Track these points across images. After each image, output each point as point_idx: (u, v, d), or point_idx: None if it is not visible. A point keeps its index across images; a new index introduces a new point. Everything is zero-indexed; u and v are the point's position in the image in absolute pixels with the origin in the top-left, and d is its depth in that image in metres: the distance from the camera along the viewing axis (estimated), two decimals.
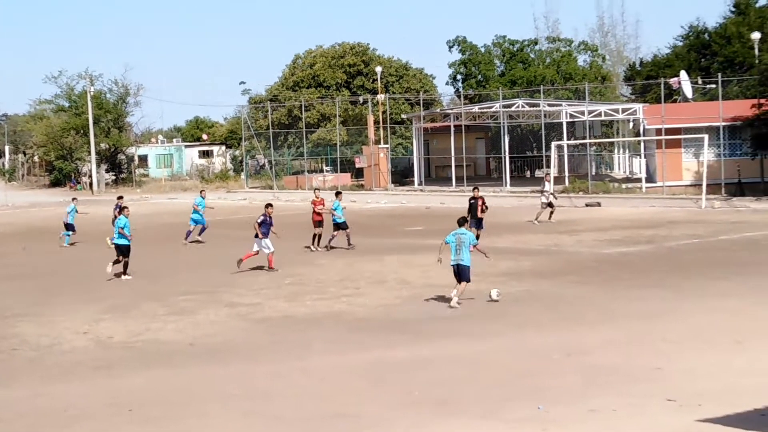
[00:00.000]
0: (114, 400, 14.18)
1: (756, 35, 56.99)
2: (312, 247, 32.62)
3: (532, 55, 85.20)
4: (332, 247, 32.23)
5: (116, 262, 27.53)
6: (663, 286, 22.94)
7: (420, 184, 67.95)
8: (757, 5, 77.53)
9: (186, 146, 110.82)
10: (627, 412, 12.57)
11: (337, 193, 33.72)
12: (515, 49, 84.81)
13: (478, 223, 33.59)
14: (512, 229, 37.23)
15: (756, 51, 56.54)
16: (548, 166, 56.63)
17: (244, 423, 12.84)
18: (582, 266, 26.92)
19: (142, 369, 16.21)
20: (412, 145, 74.44)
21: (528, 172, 75.40)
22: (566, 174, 61.27)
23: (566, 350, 16.24)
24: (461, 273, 21.38)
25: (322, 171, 77.95)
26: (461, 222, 22.17)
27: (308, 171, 77.39)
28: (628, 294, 22.03)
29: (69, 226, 37.43)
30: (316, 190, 35.07)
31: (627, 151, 71.33)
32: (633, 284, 23.38)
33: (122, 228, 27.38)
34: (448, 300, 21.16)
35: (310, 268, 28.01)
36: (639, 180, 59.24)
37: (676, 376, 14.28)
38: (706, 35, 78.00)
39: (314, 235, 32.79)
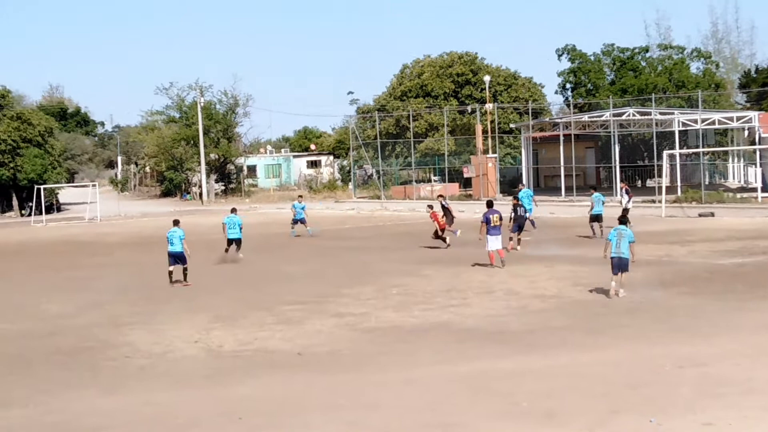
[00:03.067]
0: (224, 408, 14.24)
1: None
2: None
3: (642, 63, 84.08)
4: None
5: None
6: None
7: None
8: None
9: (294, 156, 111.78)
10: (744, 424, 12.23)
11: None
12: (625, 57, 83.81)
13: (519, 228, 34.89)
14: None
15: None
16: (660, 176, 55.77)
17: None
18: (694, 277, 26.36)
19: (251, 378, 16.28)
20: (520, 154, 74.01)
21: (639, 182, 74.38)
22: (679, 184, 60.29)
23: (678, 362, 15.86)
24: (622, 265, 23.24)
25: (430, 181, 77.91)
26: (622, 220, 24.29)
27: (416, 181, 77.44)
28: (743, 306, 21.48)
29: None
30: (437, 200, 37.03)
31: (742, 160, 69.95)
32: (748, 296, 22.80)
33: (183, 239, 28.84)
34: (606, 294, 20.86)
35: (416, 278, 27.91)
36: (754, 190, 57.95)
37: None
38: None
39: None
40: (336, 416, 13.49)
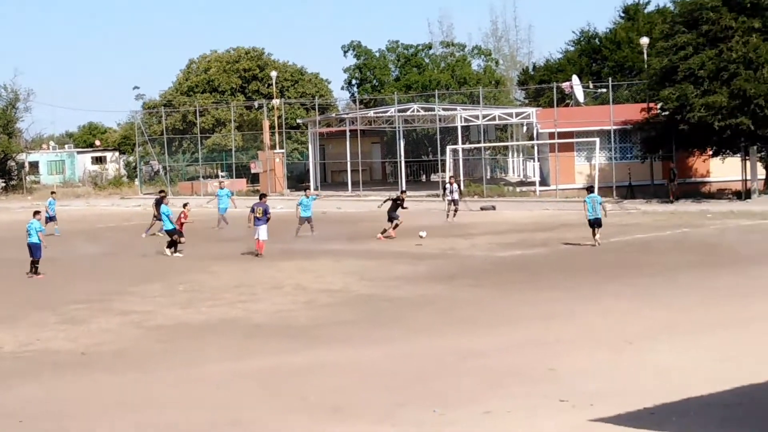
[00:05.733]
0: (3, 411, 13.83)
1: (645, 40, 58.04)
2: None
3: (426, 60, 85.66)
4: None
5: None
6: (557, 288, 23.24)
7: (316, 189, 67.75)
8: (646, 11, 79.14)
9: (78, 152, 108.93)
10: (521, 413, 12.67)
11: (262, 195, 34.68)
12: (409, 53, 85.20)
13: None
14: (407, 234, 37.31)
15: (645, 56, 57.60)
16: (444, 171, 57.02)
17: None
18: (477, 270, 27.11)
19: (32, 379, 15.84)
20: (308, 150, 74.24)
21: (424, 177, 75.73)
22: (461, 178, 61.67)
23: (461, 353, 16.32)
24: (598, 223, 31.17)
25: (217, 176, 77.33)
26: (590, 189, 33.63)
27: (203, 177, 76.71)
28: (523, 297, 22.26)
29: None
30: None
31: (521, 154, 72.12)
32: (527, 287, 23.63)
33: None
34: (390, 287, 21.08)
35: (204, 275, 27.73)
36: (533, 183, 59.90)
37: (569, 377, 14.44)
38: (596, 40, 79.42)
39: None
40: (123, 416, 13.31)
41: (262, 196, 33.74)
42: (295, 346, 17.58)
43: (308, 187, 47.08)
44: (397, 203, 36.71)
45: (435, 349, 16.82)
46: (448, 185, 44.73)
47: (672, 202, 47.69)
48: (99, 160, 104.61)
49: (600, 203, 31.67)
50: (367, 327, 19.31)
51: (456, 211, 43.09)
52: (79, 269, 30.36)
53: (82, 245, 36.28)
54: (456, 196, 43.78)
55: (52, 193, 48.63)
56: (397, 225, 36.03)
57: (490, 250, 31.48)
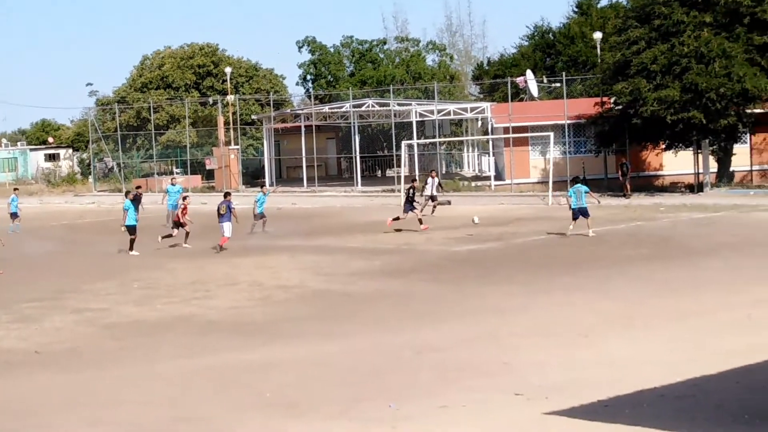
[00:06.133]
0: None
1: (598, 35, 58.47)
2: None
3: (381, 55, 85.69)
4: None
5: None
6: (511, 282, 23.36)
7: (272, 185, 67.58)
8: (599, 6, 79.65)
9: (31, 150, 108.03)
10: (476, 407, 12.73)
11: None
12: (364, 49, 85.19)
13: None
14: (363, 229, 37.38)
15: (598, 50, 58.00)
16: (399, 166, 57.06)
17: None
18: (432, 264, 27.19)
19: None
20: (263, 146, 74.05)
21: (379, 172, 75.76)
22: (417, 173, 61.77)
23: (417, 348, 16.37)
24: (584, 213, 31.93)
25: (172, 173, 76.95)
26: (576, 180, 34.25)
27: (158, 173, 76.31)
28: (478, 291, 22.34)
29: None
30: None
31: (476, 149, 72.32)
32: (482, 281, 23.73)
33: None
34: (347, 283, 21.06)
35: (160, 272, 27.62)
36: (488, 178, 60.07)
37: (524, 370, 14.53)
38: (550, 35, 79.80)
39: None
40: (77, 415, 13.23)
41: (227, 194, 34.13)
42: (251, 343, 17.55)
43: (264, 184, 46.89)
44: (408, 196, 36.93)
45: (391, 344, 16.87)
46: (429, 179, 44.07)
47: (626, 196, 47.98)
48: (52, 158, 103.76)
49: (585, 192, 32.34)
50: (323, 322, 19.32)
51: (435, 206, 42.45)
52: (32, 267, 30.11)
53: (35, 243, 36.00)
54: (434, 191, 43.41)
55: (15, 189, 48.40)
56: (418, 215, 36.24)
57: (446, 245, 31.57)
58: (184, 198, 35.24)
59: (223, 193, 35.66)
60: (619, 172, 50.14)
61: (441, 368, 14.92)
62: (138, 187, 41.66)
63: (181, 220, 33.56)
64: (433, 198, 42.99)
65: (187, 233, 33.46)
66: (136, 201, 34.42)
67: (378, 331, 18.13)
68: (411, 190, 37.07)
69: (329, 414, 12.78)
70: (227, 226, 32.25)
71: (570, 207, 32.28)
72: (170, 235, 33.88)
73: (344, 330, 18.44)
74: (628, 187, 49.21)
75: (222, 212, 32.51)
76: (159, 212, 42.13)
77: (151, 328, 19.52)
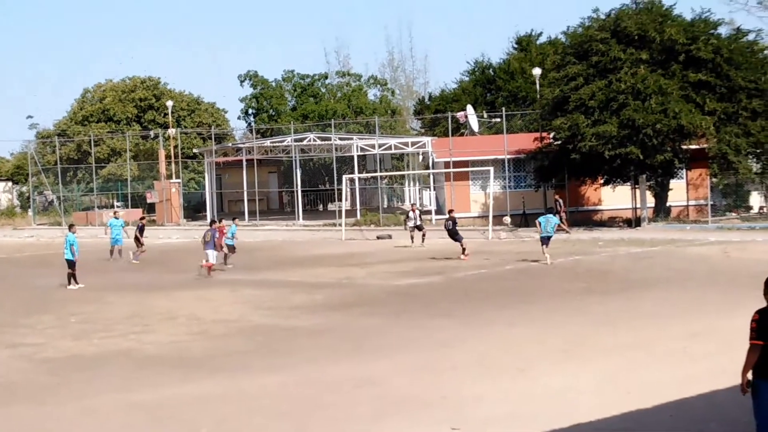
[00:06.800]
0: None
1: (537, 71, 59.14)
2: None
3: (323, 90, 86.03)
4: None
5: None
6: (451, 316, 23.43)
7: (214, 220, 67.22)
8: (538, 42, 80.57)
9: None
10: None
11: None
12: (306, 83, 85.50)
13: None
14: (305, 263, 37.38)
15: (537, 86, 58.63)
16: (340, 200, 57.15)
17: None
18: (373, 298, 27.22)
19: None
20: (204, 179, 73.86)
21: (321, 206, 75.83)
22: (358, 207, 61.95)
23: (357, 381, 16.37)
24: (548, 240, 34.33)
25: (113, 206, 76.45)
26: (549, 210, 38.51)
27: (98, 207, 75.78)
28: (417, 324, 22.39)
29: None
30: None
31: (417, 183, 72.64)
32: (422, 314, 23.78)
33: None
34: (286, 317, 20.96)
35: (98, 305, 27.39)
36: (429, 212, 60.35)
37: (463, 404, 14.58)
38: (491, 70, 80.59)
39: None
40: None
41: (212, 222, 37.39)
42: (189, 377, 17.43)
43: (235, 217, 47.22)
44: (448, 226, 38.50)
45: (330, 377, 16.85)
46: (411, 213, 45.70)
47: (568, 232, 48.32)
48: None
49: (554, 225, 34.86)
50: (263, 356, 19.26)
51: (424, 235, 43.82)
52: None
53: None
54: (419, 222, 44.88)
55: None
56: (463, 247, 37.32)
57: (386, 279, 31.64)
58: (220, 220, 40.02)
59: (210, 221, 39.34)
60: (554, 209, 50.51)
61: (380, 401, 14.94)
62: (142, 218, 46.45)
63: (219, 243, 35.68)
64: (419, 228, 44.23)
65: (225, 255, 36.86)
66: (141, 229, 40.76)
67: (318, 365, 18.10)
68: (450, 223, 38.54)
69: None
70: (211, 254, 34.19)
71: (539, 235, 34.80)
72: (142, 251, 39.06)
73: (284, 363, 18.38)
74: (565, 222, 49.56)
75: (207, 239, 34.43)
76: (99, 246, 41.84)
77: (88, 362, 19.32)
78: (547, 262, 33.73)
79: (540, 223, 34.86)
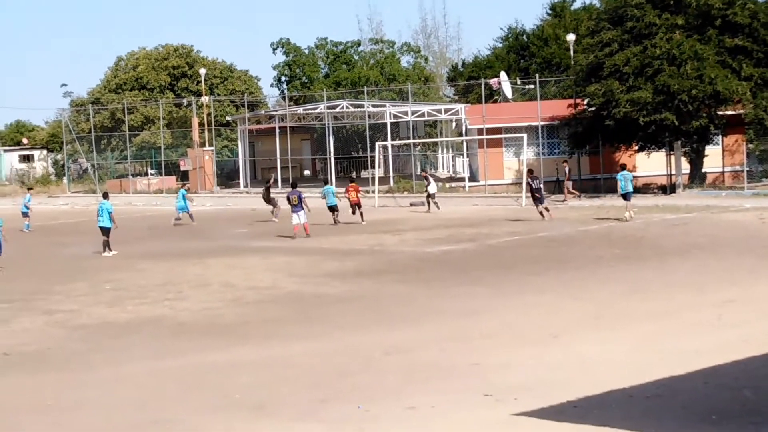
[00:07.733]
0: None
1: (571, 37, 58.56)
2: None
3: (355, 57, 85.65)
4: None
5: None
6: (482, 283, 23.35)
7: (246, 186, 67.43)
8: (572, 8, 79.86)
9: (5, 151, 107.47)
10: (445, 408, 12.71)
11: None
12: (339, 50, 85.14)
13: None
14: (337, 230, 37.38)
15: (571, 52, 58.11)
16: (373, 167, 57.06)
17: None
18: (404, 265, 27.18)
19: None
20: (237, 147, 73.90)
21: (354, 173, 75.74)
22: (391, 174, 61.82)
23: (387, 349, 16.35)
24: (627, 197, 36.27)
25: (146, 174, 76.72)
26: (623, 167, 38.12)
27: (132, 174, 76.06)
28: (448, 292, 22.34)
29: None
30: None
31: (450, 150, 72.41)
32: (453, 282, 23.72)
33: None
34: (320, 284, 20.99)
35: (131, 273, 27.52)
36: (462, 179, 60.17)
37: (493, 371, 14.52)
38: (524, 37, 79.96)
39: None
40: (43, 417, 13.14)
41: (294, 184, 37.46)
42: (221, 344, 17.49)
43: (327, 180, 47.62)
44: (530, 186, 39.13)
45: (360, 345, 16.84)
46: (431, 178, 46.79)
47: (565, 200, 47.84)
48: (26, 159, 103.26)
49: (630, 179, 36.49)
50: (294, 324, 19.28)
51: (436, 203, 44.89)
52: (3, 269, 29.92)
53: (7, 245, 35.75)
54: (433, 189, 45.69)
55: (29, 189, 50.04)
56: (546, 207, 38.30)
57: (418, 246, 31.57)
58: (352, 180, 42.50)
59: (291, 183, 39.02)
60: (566, 176, 50.18)
61: (410, 369, 14.91)
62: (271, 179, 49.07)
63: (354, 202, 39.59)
64: (432, 196, 45.07)
65: (361, 213, 39.82)
66: (268, 189, 44.33)
67: (348, 332, 18.10)
68: (536, 182, 38.98)
69: (297, 415, 12.76)
70: (302, 214, 34.83)
71: (619, 192, 36.66)
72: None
73: (314, 331, 18.40)
74: (567, 191, 49.10)
75: (294, 202, 34.94)
76: (132, 213, 42.01)
77: (121, 329, 19.42)
78: (627, 218, 35.38)
79: (620, 181, 36.35)
